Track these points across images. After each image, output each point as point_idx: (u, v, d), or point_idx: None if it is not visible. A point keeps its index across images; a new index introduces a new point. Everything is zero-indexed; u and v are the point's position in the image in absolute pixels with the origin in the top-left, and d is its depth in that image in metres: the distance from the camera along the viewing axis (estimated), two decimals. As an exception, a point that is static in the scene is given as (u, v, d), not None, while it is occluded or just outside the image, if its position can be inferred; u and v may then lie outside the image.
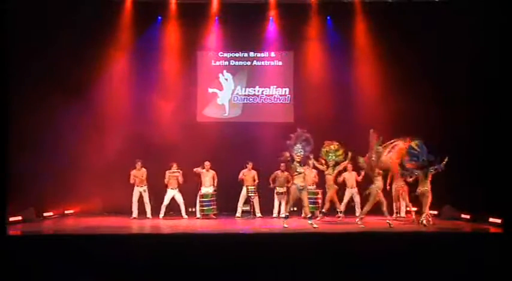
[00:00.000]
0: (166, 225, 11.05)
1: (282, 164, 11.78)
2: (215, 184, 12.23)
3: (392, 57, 13.09)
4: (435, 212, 11.36)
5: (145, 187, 12.17)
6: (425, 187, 10.28)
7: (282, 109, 14.04)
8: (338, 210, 11.80)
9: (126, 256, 8.08)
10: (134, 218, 11.96)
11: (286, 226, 10.04)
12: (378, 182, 10.50)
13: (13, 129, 9.52)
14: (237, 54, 14.14)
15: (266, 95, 14.08)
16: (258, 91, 14.10)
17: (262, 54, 14.14)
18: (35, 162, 10.85)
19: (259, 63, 14.19)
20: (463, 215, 11.28)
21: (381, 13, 13.16)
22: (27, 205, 11.00)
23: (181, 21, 13.56)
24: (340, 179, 11.99)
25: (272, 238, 9.21)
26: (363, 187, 11.30)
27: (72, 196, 12.41)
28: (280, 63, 14.17)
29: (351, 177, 12.15)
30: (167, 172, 12.14)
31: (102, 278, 7.86)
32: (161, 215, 12.06)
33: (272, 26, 13.87)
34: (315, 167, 11.76)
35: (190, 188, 12.39)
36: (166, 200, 12.15)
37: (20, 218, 10.64)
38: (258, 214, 12.40)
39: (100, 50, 12.93)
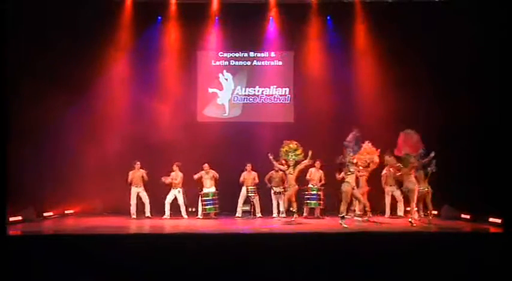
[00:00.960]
0: (166, 225, 11.05)
1: (276, 163, 11.55)
2: (217, 183, 12.24)
3: (392, 57, 13.09)
4: (435, 212, 11.34)
5: (142, 187, 12.16)
6: (415, 185, 10.20)
7: (282, 109, 14.04)
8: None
9: (126, 256, 8.08)
10: (134, 218, 11.97)
11: (345, 226, 10.02)
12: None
13: (13, 130, 9.53)
14: (237, 54, 14.14)
15: (266, 95, 14.08)
16: (258, 91, 14.10)
17: (262, 54, 14.14)
18: (35, 162, 10.89)
19: (259, 63, 14.18)
20: (463, 215, 11.26)
21: (380, 13, 13.16)
22: (27, 205, 11.00)
23: (181, 22, 13.56)
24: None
25: (272, 238, 9.22)
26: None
27: (72, 196, 12.43)
28: (280, 63, 14.17)
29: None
30: (172, 173, 12.16)
31: (102, 278, 7.86)
32: (167, 213, 12.09)
33: (272, 26, 13.88)
34: (276, 168, 11.74)
35: (191, 188, 12.41)
36: (169, 199, 12.16)
37: (20, 218, 10.64)
38: (259, 214, 12.41)
39: (100, 50, 12.94)
